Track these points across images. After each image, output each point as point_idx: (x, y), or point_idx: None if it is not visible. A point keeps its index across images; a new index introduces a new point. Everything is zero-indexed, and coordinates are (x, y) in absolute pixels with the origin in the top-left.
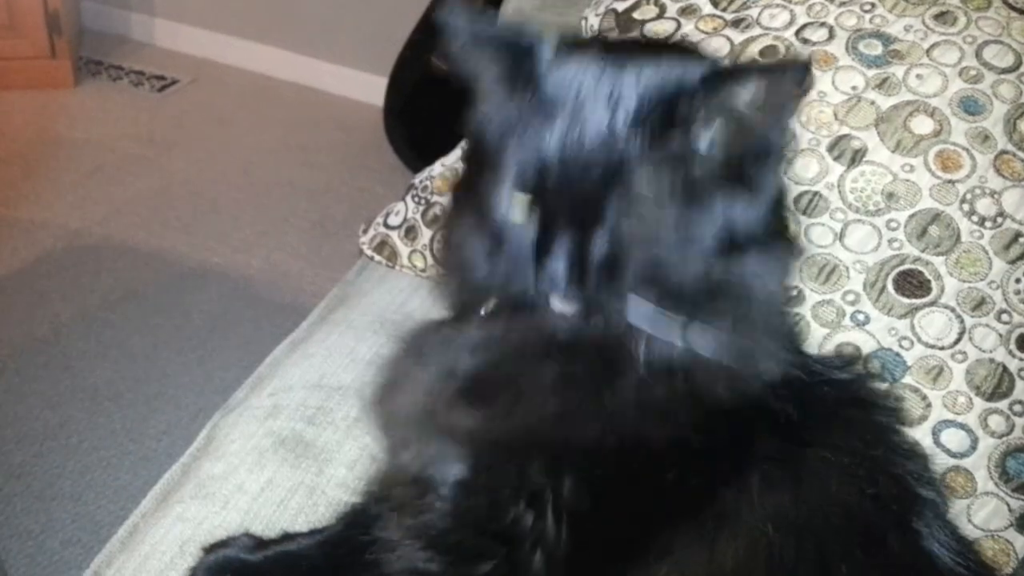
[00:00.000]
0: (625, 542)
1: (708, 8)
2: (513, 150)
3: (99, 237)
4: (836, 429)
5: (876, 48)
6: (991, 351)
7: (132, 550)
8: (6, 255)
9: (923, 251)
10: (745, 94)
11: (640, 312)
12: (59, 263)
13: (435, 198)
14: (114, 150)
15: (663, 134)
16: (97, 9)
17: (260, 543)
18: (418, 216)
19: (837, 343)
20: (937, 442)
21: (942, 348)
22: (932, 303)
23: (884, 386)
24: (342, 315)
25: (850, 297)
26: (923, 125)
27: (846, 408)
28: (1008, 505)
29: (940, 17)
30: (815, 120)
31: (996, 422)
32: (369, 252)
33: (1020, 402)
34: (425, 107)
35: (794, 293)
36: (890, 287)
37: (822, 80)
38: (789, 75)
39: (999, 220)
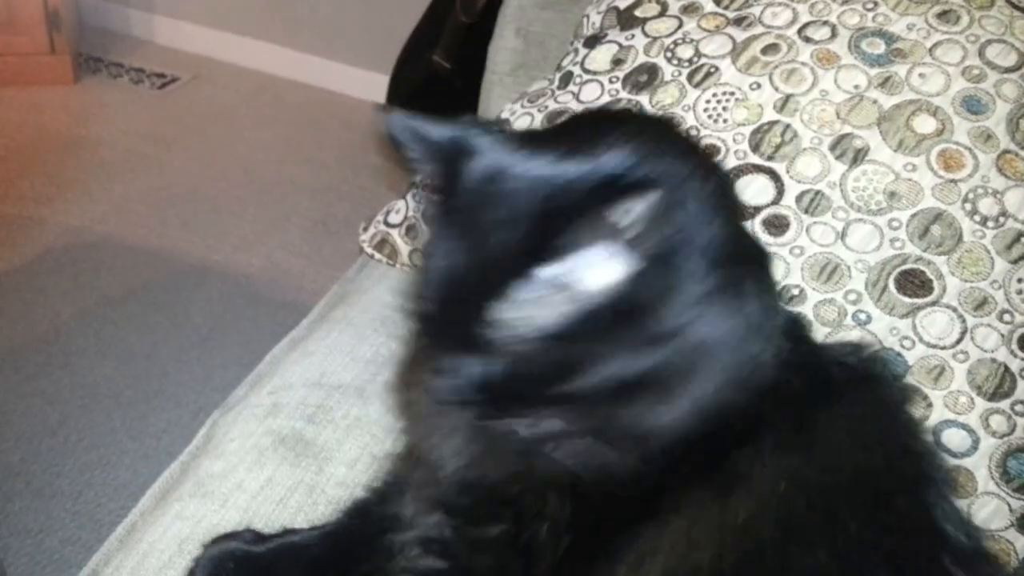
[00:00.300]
0: (634, 505)
1: (710, 6)
2: (431, 257)
3: (98, 234)
4: (847, 402)
5: (879, 47)
6: (993, 351)
7: (131, 548)
8: (5, 252)
9: (925, 251)
10: (640, 208)
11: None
12: (58, 260)
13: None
14: (114, 147)
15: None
16: (97, 5)
17: (262, 537)
18: (419, 214)
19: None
20: (938, 442)
21: (944, 348)
22: (934, 303)
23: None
24: (342, 313)
25: (852, 296)
26: (925, 124)
27: (857, 384)
28: (1009, 505)
29: (943, 16)
30: (817, 119)
31: (997, 422)
32: (369, 250)
33: (1021, 402)
34: (427, 105)
35: (795, 292)
36: (892, 287)
37: (825, 79)
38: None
39: (1001, 220)
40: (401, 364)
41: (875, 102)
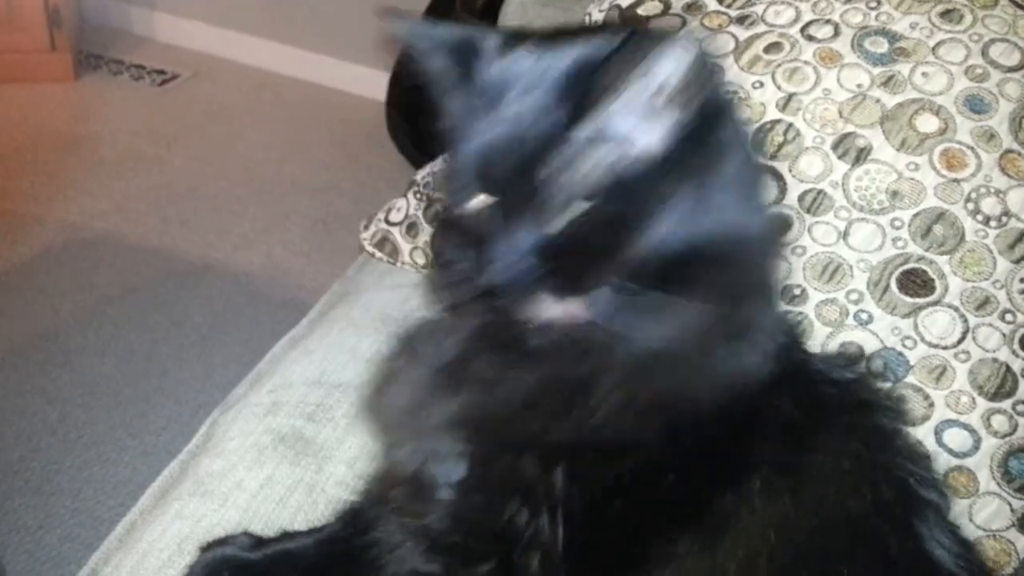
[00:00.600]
0: (623, 547)
1: (713, 5)
2: (462, 141)
3: (98, 232)
4: (838, 432)
5: (882, 46)
6: (994, 351)
7: (130, 547)
8: (5, 250)
9: (927, 250)
10: (675, 63)
11: (604, 299)
12: (58, 258)
13: (437, 194)
14: (114, 145)
15: (584, 111)
16: (98, 3)
17: (258, 542)
18: (419, 213)
19: (840, 342)
20: (939, 442)
21: (945, 347)
22: (936, 302)
23: (887, 386)
24: (343, 311)
25: (853, 296)
26: (928, 123)
27: (848, 410)
28: (1010, 505)
29: (946, 15)
30: (820, 118)
31: (999, 422)
32: (370, 248)
33: (1023, 402)
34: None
35: (797, 292)
36: (894, 286)
37: (827, 77)
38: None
39: (1004, 219)
40: (374, 373)
41: (878, 101)
